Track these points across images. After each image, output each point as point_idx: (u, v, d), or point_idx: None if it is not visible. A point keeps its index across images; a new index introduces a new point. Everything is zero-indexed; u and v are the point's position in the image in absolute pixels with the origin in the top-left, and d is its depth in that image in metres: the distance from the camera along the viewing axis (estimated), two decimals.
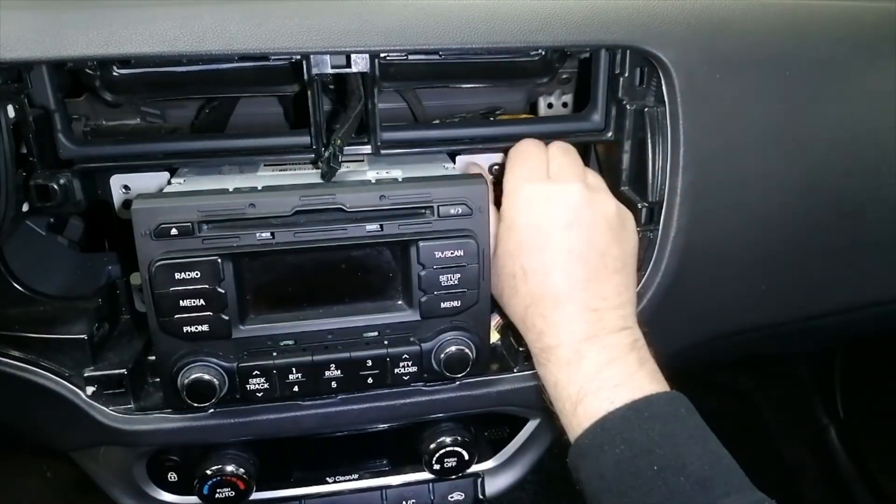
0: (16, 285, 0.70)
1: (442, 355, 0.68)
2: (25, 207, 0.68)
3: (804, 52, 0.76)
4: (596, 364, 0.62)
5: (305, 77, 0.67)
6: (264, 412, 0.70)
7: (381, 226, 0.64)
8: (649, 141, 0.73)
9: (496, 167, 0.79)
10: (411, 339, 0.68)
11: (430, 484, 0.84)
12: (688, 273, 0.75)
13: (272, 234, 0.62)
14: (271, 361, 0.66)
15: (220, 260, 0.62)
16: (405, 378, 0.69)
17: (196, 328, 0.63)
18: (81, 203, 0.70)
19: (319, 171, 0.68)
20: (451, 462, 0.79)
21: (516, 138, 0.74)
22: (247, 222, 0.62)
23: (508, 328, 0.75)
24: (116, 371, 0.69)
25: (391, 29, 0.65)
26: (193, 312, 0.63)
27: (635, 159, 0.76)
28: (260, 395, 0.67)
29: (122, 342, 0.74)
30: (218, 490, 0.74)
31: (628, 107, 0.74)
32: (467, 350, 0.68)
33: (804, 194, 0.78)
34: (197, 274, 0.61)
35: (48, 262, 0.79)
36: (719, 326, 0.86)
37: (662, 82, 0.71)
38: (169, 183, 0.70)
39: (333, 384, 0.68)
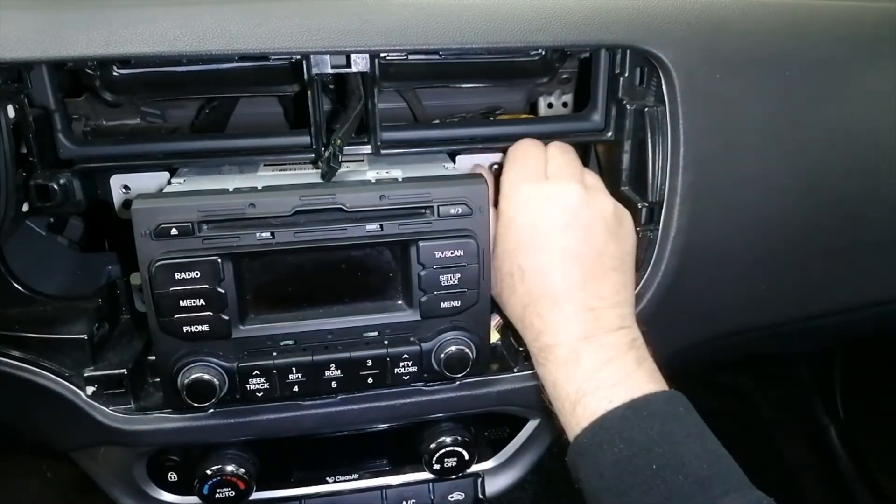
0: (16, 285, 0.70)
1: (442, 355, 0.68)
2: (25, 207, 0.68)
3: (804, 52, 0.76)
4: (594, 363, 0.62)
5: (305, 77, 0.67)
6: (264, 412, 0.70)
7: (381, 226, 0.64)
8: (649, 141, 0.73)
9: (495, 167, 0.79)
10: (411, 339, 0.68)
11: (431, 484, 0.84)
12: (688, 273, 0.75)
13: (272, 234, 0.62)
14: (271, 361, 0.66)
15: (220, 260, 0.62)
16: (405, 378, 0.69)
17: (196, 328, 0.63)
18: (81, 203, 0.70)
19: (319, 171, 0.68)
20: (451, 462, 0.79)
21: (516, 138, 0.74)
22: (247, 222, 0.62)
23: (508, 328, 0.75)
24: (116, 371, 0.69)
25: (391, 29, 0.65)
26: (193, 312, 0.63)
27: (635, 159, 0.76)
28: (260, 395, 0.67)
29: (122, 342, 0.74)
30: (218, 490, 0.74)
31: (628, 107, 0.74)
32: (467, 350, 0.68)
33: (804, 194, 0.78)
34: (197, 274, 0.61)
35: (48, 262, 0.79)
36: (719, 326, 0.86)
37: (662, 82, 0.71)
38: (169, 183, 0.70)
39: (333, 384, 0.68)
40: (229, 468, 0.74)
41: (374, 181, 0.67)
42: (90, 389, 0.69)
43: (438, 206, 0.64)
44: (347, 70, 0.67)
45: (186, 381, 0.64)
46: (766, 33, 0.75)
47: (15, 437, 0.85)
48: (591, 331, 0.63)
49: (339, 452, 0.83)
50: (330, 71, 0.67)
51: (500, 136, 0.76)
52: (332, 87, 0.75)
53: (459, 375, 0.70)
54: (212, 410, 0.69)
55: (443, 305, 0.67)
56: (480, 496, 0.86)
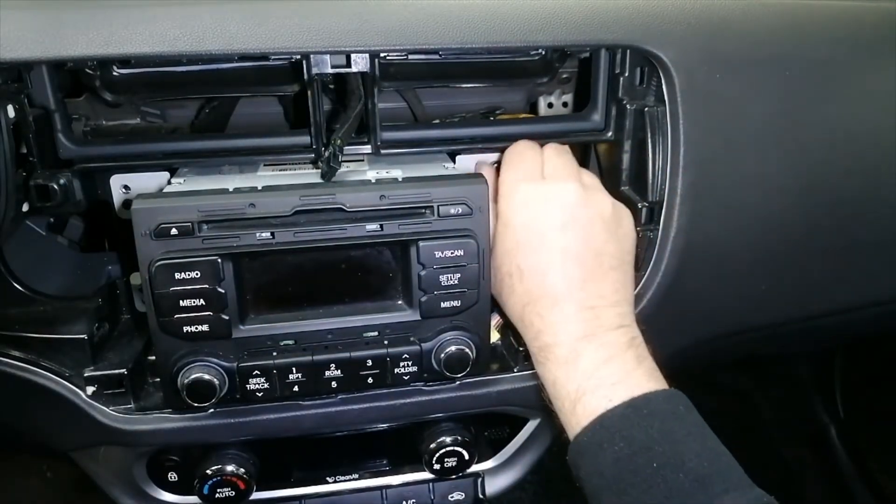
0: (16, 285, 0.70)
1: (442, 355, 0.68)
2: (25, 207, 0.68)
3: (804, 52, 0.76)
4: (593, 362, 0.62)
5: (305, 77, 0.67)
6: (264, 412, 0.70)
7: (381, 226, 0.64)
8: (649, 141, 0.73)
9: (496, 166, 0.79)
10: (411, 338, 0.68)
11: (431, 484, 0.84)
12: (688, 273, 0.75)
13: (272, 234, 0.62)
14: (271, 361, 0.66)
15: (220, 260, 0.62)
16: (405, 378, 0.69)
17: (196, 328, 0.63)
18: (81, 203, 0.70)
19: (319, 170, 0.68)
20: (451, 462, 0.79)
21: (516, 138, 0.74)
22: (247, 222, 0.62)
23: (508, 328, 0.75)
24: (116, 371, 0.69)
25: (391, 29, 0.65)
26: (193, 312, 0.63)
27: (635, 159, 0.76)
28: (260, 395, 0.67)
29: (122, 342, 0.74)
30: (218, 490, 0.74)
31: (628, 106, 0.74)
32: (467, 350, 0.68)
33: (804, 194, 0.78)
34: (197, 274, 0.61)
35: (48, 262, 0.79)
36: (719, 326, 0.86)
37: (662, 82, 0.71)
38: (169, 183, 0.70)
39: (333, 384, 0.68)
40: (229, 468, 0.74)
41: (374, 181, 0.67)
42: (90, 389, 0.69)
43: (438, 206, 0.64)
44: (347, 70, 0.67)
45: (186, 381, 0.64)
46: (766, 33, 0.75)
47: (15, 437, 0.85)
48: (590, 330, 0.63)
49: (339, 452, 0.83)
50: (330, 71, 0.67)
51: (500, 136, 0.76)
52: (332, 86, 0.75)
53: (459, 375, 0.70)
54: (212, 410, 0.69)
55: (443, 305, 0.67)
56: (480, 496, 0.86)
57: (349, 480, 0.83)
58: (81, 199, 0.69)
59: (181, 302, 0.62)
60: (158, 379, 0.70)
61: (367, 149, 0.72)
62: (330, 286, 0.67)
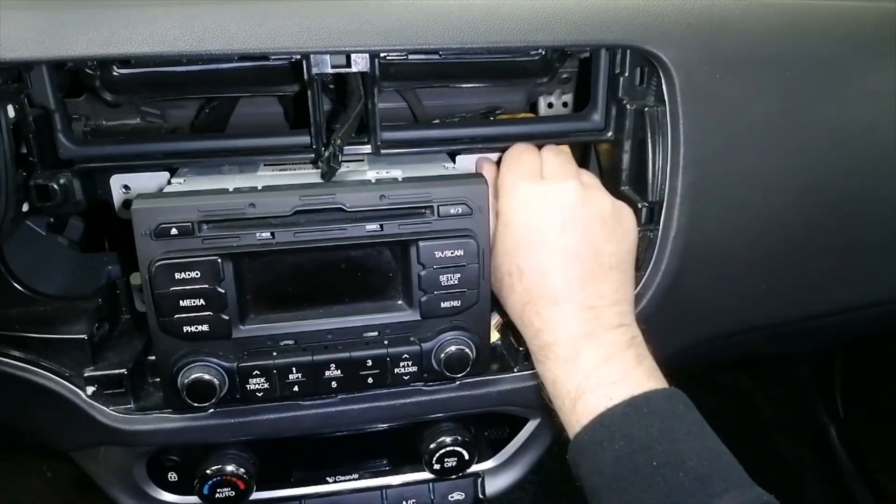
0: (16, 285, 0.70)
1: (442, 355, 0.68)
2: (25, 207, 0.68)
3: (804, 52, 0.76)
4: (593, 361, 0.62)
5: (305, 77, 0.67)
6: (264, 412, 0.70)
7: (381, 226, 0.64)
8: (649, 141, 0.73)
9: (495, 166, 0.79)
10: (411, 338, 0.68)
11: (431, 484, 0.84)
12: (688, 273, 0.75)
13: (272, 234, 0.62)
14: (271, 361, 0.66)
15: (220, 260, 0.62)
16: (405, 378, 0.69)
17: (196, 328, 0.63)
18: (81, 203, 0.70)
19: (319, 170, 0.68)
20: (451, 462, 0.79)
21: (516, 138, 0.74)
22: (247, 222, 0.62)
23: (508, 327, 0.75)
24: (116, 371, 0.69)
25: (391, 29, 0.65)
26: (193, 312, 0.63)
27: (635, 159, 0.76)
28: (260, 395, 0.67)
29: (122, 342, 0.74)
30: (218, 490, 0.74)
31: (628, 106, 0.74)
32: (467, 350, 0.68)
33: (804, 194, 0.78)
34: (197, 274, 0.61)
35: (48, 262, 0.79)
36: (719, 326, 0.86)
37: (662, 82, 0.71)
38: (169, 183, 0.70)
39: (333, 384, 0.68)
40: (229, 468, 0.74)
41: (374, 181, 0.67)
42: (90, 389, 0.69)
43: (438, 206, 0.64)
44: (347, 70, 0.67)
45: (186, 381, 0.64)
46: (766, 33, 0.75)
47: (15, 437, 0.85)
48: (590, 329, 0.63)
49: (339, 452, 0.83)
50: (330, 71, 0.67)
51: (500, 136, 0.76)
52: (332, 86, 0.75)
53: (459, 375, 0.70)
54: (212, 410, 0.69)
55: (443, 305, 0.67)
56: (480, 496, 0.86)
57: (349, 480, 0.83)
58: (81, 199, 0.69)
59: (181, 302, 0.62)
60: (158, 379, 0.70)
61: (367, 149, 0.72)
62: (330, 286, 0.67)
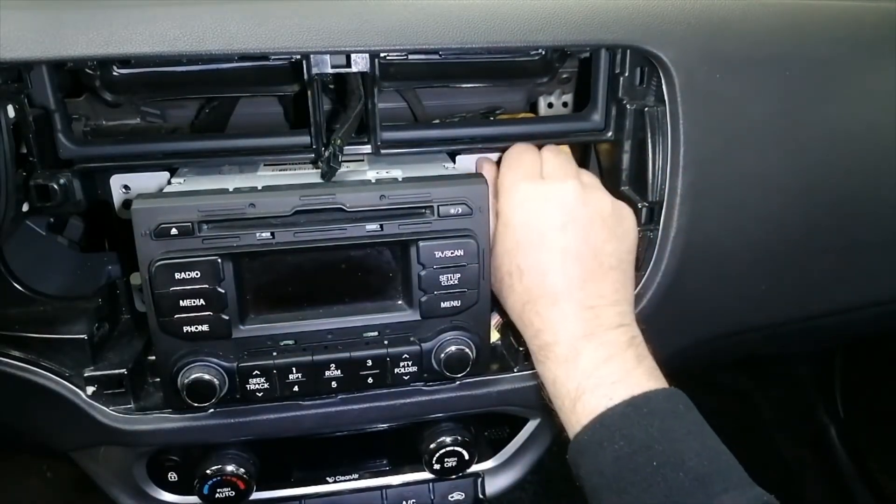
0: (16, 285, 0.70)
1: (442, 355, 0.68)
2: (25, 207, 0.68)
3: (804, 52, 0.76)
4: (593, 361, 0.62)
5: (305, 77, 0.67)
6: (264, 412, 0.70)
7: (381, 226, 0.64)
8: (649, 141, 0.73)
9: (495, 166, 0.79)
10: (411, 338, 0.68)
11: (431, 484, 0.84)
12: (688, 273, 0.75)
13: (272, 234, 0.62)
14: (271, 361, 0.66)
15: (220, 260, 0.62)
16: (405, 378, 0.69)
17: (196, 328, 0.63)
18: (81, 203, 0.70)
19: (319, 170, 0.68)
20: (451, 462, 0.79)
21: (516, 138, 0.74)
22: (247, 222, 0.62)
23: (508, 327, 0.75)
24: (116, 371, 0.69)
25: (391, 29, 0.65)
26: (193, 312, 0.63)
27: (635, 159, 0.76)
28: (260, 395, 0.67)
29: (122, 342, 0.74)
30: (218, 490, 0.74)
31: (628, 106, 0.74)
32: (467, 350, 0.68)
33: (804, 194, 0.78)
34: (197, 274, 0.61)
35: (48, 262, 0.79)
36: (719, 326, 0.86)
37: (662, 82, 0.71)
38: (169, 183, 0.70)
39: (333, 384, 0.68)
40: (229, 468, 0.74)
41: (374, 181, 0.67)
42: (90, 389, 0.69)
43: (438, 206, 0.64)
44: (347, 70, 0.67)
45: (186, 381, 0.64)
46: (766, 33, 0.75)
47: (15, 437, 0.85)
48: (590, 329, 0.63)
49: (339, 452, 0.83)
50: (330, 71, 0.67)
51: (500, 136, 0.76)
52: (332, 86, 0.75)
53: (459, 375, 0.70)
54: (212, 410, 0.69)
55: (443, 305, 0.67)
56: (480, 496, 0.86)
57: (349, 480, 0.83)
58: (81, 199, 0.69)
59: (181, 302, 0.62)
60: (158, 379, 0.70)
61: (367, 149, 0.72)
62: (330, 286, 0.67)
